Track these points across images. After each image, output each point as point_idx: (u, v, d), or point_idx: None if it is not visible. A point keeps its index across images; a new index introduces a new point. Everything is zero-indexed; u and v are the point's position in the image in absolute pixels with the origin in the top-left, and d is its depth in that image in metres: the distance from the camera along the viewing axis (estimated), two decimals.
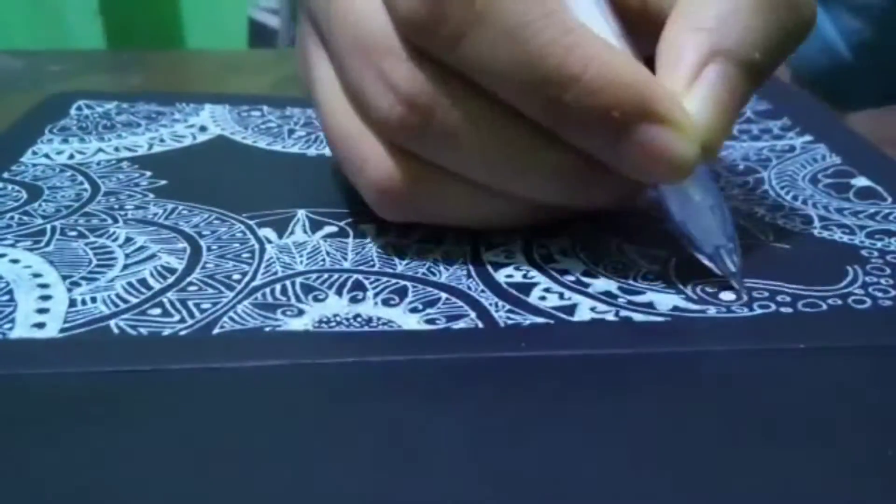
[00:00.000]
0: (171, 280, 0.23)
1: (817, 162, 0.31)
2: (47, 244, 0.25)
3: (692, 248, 0.23)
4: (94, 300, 0.22)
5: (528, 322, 0.22)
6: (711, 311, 0.22)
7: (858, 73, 0.31)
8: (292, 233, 0.26)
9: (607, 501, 0.16)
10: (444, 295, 0.23)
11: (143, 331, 0.21)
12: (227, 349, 0.20)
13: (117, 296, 0.22)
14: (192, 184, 0.29)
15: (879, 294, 0.23)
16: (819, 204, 0.28)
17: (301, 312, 0.22)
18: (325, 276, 0.24)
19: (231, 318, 0.21)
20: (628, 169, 0.22)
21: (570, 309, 0.22)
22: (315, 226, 0.26)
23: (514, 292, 0.23)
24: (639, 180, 0.23)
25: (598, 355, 0.21)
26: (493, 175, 0.23)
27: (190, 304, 0.22)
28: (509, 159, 0.23)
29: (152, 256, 0.24)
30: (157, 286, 0.23)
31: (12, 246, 0.25)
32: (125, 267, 0.24)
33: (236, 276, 0.23)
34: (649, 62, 0.23)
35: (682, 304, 0.22)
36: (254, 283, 0.23)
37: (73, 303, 0.22)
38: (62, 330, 0.21)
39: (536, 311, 0.22)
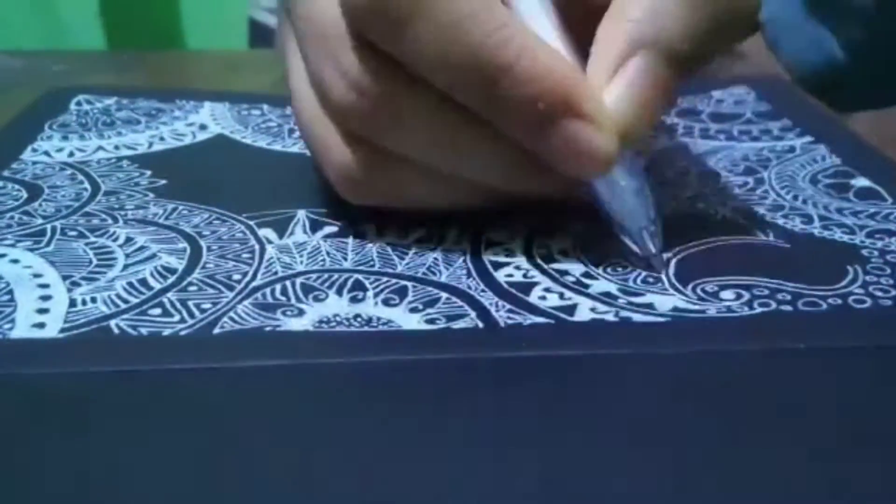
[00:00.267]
0: (171, 280, 0.23)
1: (817, 162, 0.31)
2: (48, 244, 0.25)
3: (617, 229, 0.24)
4: (94, 300, 0.22)
5: (528, 322, 0.22)
6: (711, 311, 0.22)
7: (853, 76, 0.31)
8: (292, 233, 0.26)
9: (607, 501, 0.16)
10: (444, 295, 0.23)
11: (144, 331, 0.21)
12: (227, 349, 0.20)
13: (117, 296, 0.22)
14: (192, 183, 0.29)
15: (879, 294, 0.23)
16: (819, 204, 0.28)
17: (301, 312, 0.22)
18: (326, 276, 0.24)
19: (231, 318, 0.21)
20: (553, 160, 0.23)
21: (570, 309, 0.22)
22: (315, 226, 0.26)
23: (515, 292, 0.23)
24: (563, 172, 0.23)
25: (598, 355, 0.21)
26: (438, 160, 0.24)
27: (190, 304, 0.22)
28: (451, 146, 0.24)
29: (152, 256, 0.24)
30: (157, 286, 0.23)
31: (13, 246, 0.25)
32: (125, 267, 0.24)
33: (236, 277, 0.23)
34: None
35: (682, 304, 0.22)
36: (254, 284, 0.23)
37: (73, 303, 0.22)
38: (62, 330, 0.21)
39: (536, 311, 0.22)
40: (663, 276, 0.24)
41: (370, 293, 0.23)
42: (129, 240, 0.25)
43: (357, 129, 0.24)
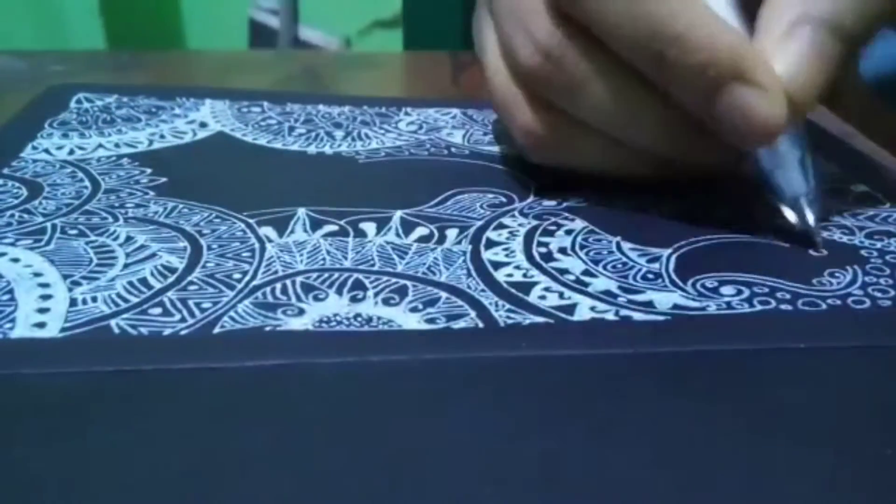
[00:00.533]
0: (171, 279, 0.23)
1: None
2: (48, 243, 0.25)
3: (775, 197, 0.25)
4: (94, 300, 0.22)
5: (527, 321, 0.22)
6: (712, 307, 0.22)
7: None
8: (293, 232, 0.26)
9: (608, 501, 0.16)
10: (444, 294, 0.23)
11: (144, 330, 0.21)
12: (227, 349, 0.20)
13: (118, 295, 0.22)
14: (192, 182, 0.29)
15: (879, 294, 0.23)
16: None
17: (301, 312, 0.22)
18: (326, 275, 0.24)
19: (231, 318, 0.21)
20: (721, 128, 0.24)
21: (570, 308, 0.22)
22: (315, 224, 0.26)
23: (514, 291, 0.23)
24: (730, 142, 0.24)
25: (598, 355, 0.21)
26: (609, 122, 0.26)
27: (190, 303, 0.22)
28: (623, 109, 0.26)
29: (153, 255, 0.24)
30: (157, 285, 0.23)
31: (13, 245, 0.25)
32: (126, 266, 0.24)
33: (237, 276, 0.23)
34: None
35: (682, 301, 0.22)
36: (254, 283, 0.23)
37: (73, 302, 0.22)
38: (63, 329, 0.21)
39: (536, 310, 0.22)
40: (664, 273, 0.24)
41: (370, 293, 0.23)
42: (129, 238, 0.25)
43: (541, 92, 0.27)
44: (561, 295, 0.23)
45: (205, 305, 0.22)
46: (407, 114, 0.36)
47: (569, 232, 0.26)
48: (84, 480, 0.16)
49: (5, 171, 0.29)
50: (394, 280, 0.23)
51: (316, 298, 0.22)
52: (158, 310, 0.22)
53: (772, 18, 0.25)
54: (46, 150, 0.31)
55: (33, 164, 0.30)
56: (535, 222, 0.27)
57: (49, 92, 0.37)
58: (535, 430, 0.18)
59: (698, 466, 0.17)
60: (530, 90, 0.27)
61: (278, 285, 0.23)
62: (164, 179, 0.29)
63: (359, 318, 0.22)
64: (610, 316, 0.22)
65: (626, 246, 0.25)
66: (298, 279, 0.23)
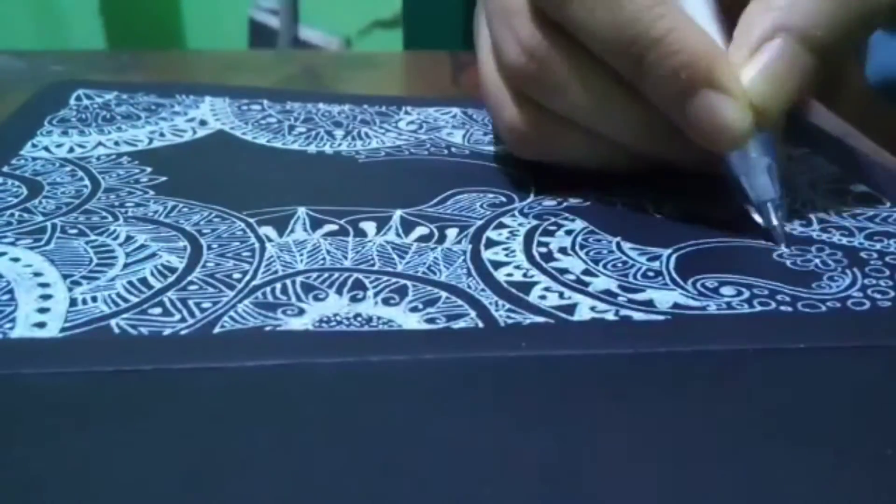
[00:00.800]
0: (171, 279, 0.23)
1: (815, 171, 0.31)
2: (47, 242, 0.25)
3: (744, 200, 0.26)
4: (94, 299, 0.22)
5: (527, 321, 0.22)
6: (711, 307, 0.22)
7: None
8: (293, 231, 0.26)
9: (608, 501, 0.16)
10: (444, 294, 0.23)
11: (144, 330, 0.21)
12: (227, 349, 0.20)
13: (118, 295, 0.22)
14: (192, 181, 0.29)
15: (878, 295, 0.23)
16: (818, 207, 0.28)
17: (301, 312, 0.22)
18: (326, 275, 0.24)
19: (231, 318, 0.21)
20: (690, 130, 0.25)
21: (570, 308, 0.22)
22: (315, 224, 0.26)
23: (514, 291, 0.23)
24: (700, 144, 0.25)
25: (598, 355, 0.21)
26: (590, 120, 0.27)
27: (190, 303, 0.22)
28: (603, 108, 0.27)
29: (153, 255, 0.24)
30: (157, 285, 0.23)
31: (12, 244, 0.25)
32: (126, 266, 0.24)
33: (237, 275, 0.23)
34: None
35: (682, 300, 0.22)
36: (254, 283, 0.23)
37: (73, 302, 0.22)
38: (63, 329, 0.21)
39: (536, 310, 0.22)
40: (665, 271, 0.24)
41: (370, 292, 0.23)
42: (129, 238, 0.25)
43: (525, 90, 0.28)
44: (561, 295, 0.23)
45: (205, 305, 0.22)
46: (407, 113, 0.36)
47: (569, 232, 0.26)
48: (84, 480, 0.16)
49: (5, 169, 0.29)
50: (394, 280, 0.23)
51: (316, 298, 0.22)
52: (158, 310, 0.22)
53: (745, 29, 0.26)
54: (46, 148, 0.31)
55: (33, 162, 0.30)
56: (535, 222, 0.27)
57: (49, 88, 0.37)
58: (535, 430, 0.18)
59: (698, 466, 0.17)
60: (515, 87, 0.28)
61: (278, 285, 0.23)
62: (163, 178, 0.29)
63: (359, 318, 0.22)
64: (610, 316, 0.22)
65: (626, 245, 0.25)
66: (298, 279, 0.23)
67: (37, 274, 0.23)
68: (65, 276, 0.23)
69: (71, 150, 0.31)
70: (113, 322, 0.21)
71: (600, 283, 0.23)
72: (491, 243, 0.25)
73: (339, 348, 0.20)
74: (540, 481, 0.16)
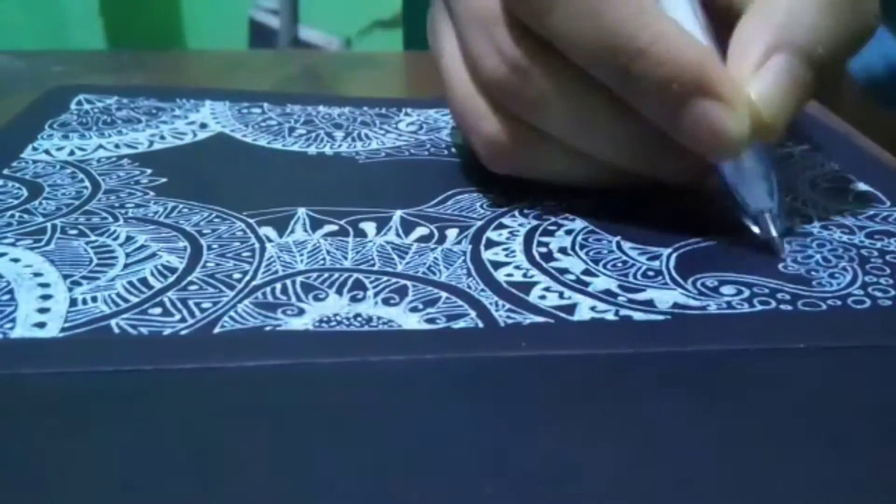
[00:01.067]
0: (171, 279, 0.23)
1: (815, 168, 0.31)
2: (48, 243, 0.25)
3: (740, 210, 0.25)
4: (94, 300, 0.22)
5: (528, 321, 0.22)
6: (712, 307, 0.22)
7: None
8: (293, 231, 0.26)
9: (608, 501, 0.16)
10: (444, 294, 0.23)
11: (144, 330, 0.21)
12: (227, 349, 0.20)
13: (118, 295, 0.22)
14: (192, 182, 0.29)
15: (879, 294, 0.23)
16: (818, 205, 0.28)
17: (301, 312, 0.22)
18: (326, 275, 0.24)
19: (231, 318, 0.21)
20: (685, 139, 0.24)
21: (570, 308, 0.22)
22: (315, 224, 0.26)
23: (514, 291, 0.23)
24: (696, 153, 0.25)
25: (598, 355, 0.21)
26: (574, 137, 0.26)
27: (190, 303, 0.22)
28: (588, 123, 0.26)
29: (153, 255, 0.24)
30: (157, 285, 0.23)
31: (13, 245, 0.25)
32: (126, 266, 0.24)
33: (237, 276, 0.23)
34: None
35: (682, 300, 0.22)
36: (254, 283, 0.23)
37: (73, 302, 0.22)
38: (63, 329, 0.21)
39: (536, 310, 0.22)
40: (665, 271, 0.24)
41: (370, 293, 0.23)
42: (129, 238, 0.25)
43: (505, 103, 0.26)
44: (561, 295, 0.23)
45: (205, 305, 0.22)
46: (407, 114, 0.36)
47: (569, 232, 0.26)
48: (84, 480, 0.16)
49: (5, 171, 0.30)
50: (394, 280, 0.23)
51: (316, 298, 0.22)
52: (158, 310, 0.22)
53: (746, 44, 0.25)
54: (47, 151, 0.31)
55: (33, 164, 0.30)
56: (535, 222, 0.27)
57: (49, 93, 0.37)
58: (535, 429, 0.18)
59: (698, 466, 0.17)
60: (494, 100, 0.27)
61: (278, 285, 0.23)
62: (163, 180, 0.29)
63: (359, 318, 0.22)
64: (610, 316, 0.22)
65: (626, 245, 0.25)
66: (298, 279, 0.23)
67: (37, 274, 0.23)
68: (65, 277, 0.23)
69: (71, 153, 0.31)
70: (113, 322, 0.21)
71: (600, 282, 0.23)
72: (491, 243, 0.25)
73: (339, 348, 0.21)
74: (540, 481, 0.16)
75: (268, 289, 0.23)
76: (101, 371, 0.20)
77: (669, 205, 0.28)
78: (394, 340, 0.21)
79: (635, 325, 0.22)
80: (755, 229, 0.25)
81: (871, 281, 0.24)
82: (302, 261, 0.24)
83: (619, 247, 0.25)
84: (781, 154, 0.32)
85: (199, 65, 0.48)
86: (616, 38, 0.23)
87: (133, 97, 0.37)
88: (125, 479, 0.16)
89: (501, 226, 0.27)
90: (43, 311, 0.22)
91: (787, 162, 0.32)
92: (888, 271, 0.24)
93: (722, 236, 0.26)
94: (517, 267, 0.24)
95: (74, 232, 0.26)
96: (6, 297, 0.22)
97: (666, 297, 0.23)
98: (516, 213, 0.27)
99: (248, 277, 0.23)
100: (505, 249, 0.25)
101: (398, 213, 0.27)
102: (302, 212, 0.27)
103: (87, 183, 0.29)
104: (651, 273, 0.24)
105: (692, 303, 0.22)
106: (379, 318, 0.22)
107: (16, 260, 0.24)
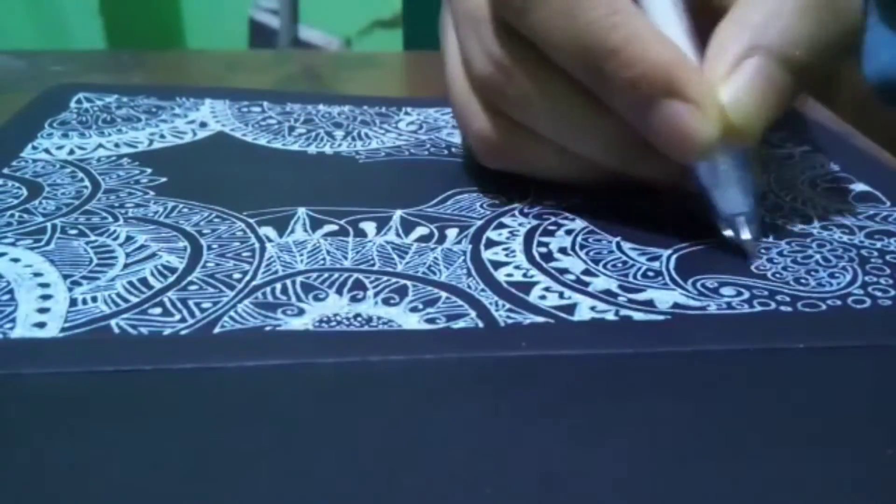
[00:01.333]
0: (171, 279, 0.23)
1: (815, 169, 0.31)
2: (48, 243, 0.25)
3: (714, 213, 0.25)
4: (94, 300, 0.22)
5: (528, 321, 0.22)
6: (712, 307, 0.22)
7: None
8: (293, 231, 0.26)
9: (608, 501, 0.16)
10: (444, 294, 0.23)
11: (144, 330, 0.21)
12: (227, 349, 0.20)
13: (118, 295, 0.22)
14: (192, 181, 0.29)
15: (879, 294, 0.23)
16: (818, 205, 0.28)
17: (301, 312, 0.22)
18: (326, 275, 0.24)
19: (231, 318, 0.21)
20: (655, 140, 0.24)
21: (570, 308, 0.22)
22: (315, 224, 0.26)
23: (514, 291, 0.23)
24: (666, 154, 0.25)
25: (598, 355, 0.21)
26: (557, 134, 0.27)
27: (190, 303, 0.22)
28: (569, 122, 0.26)
29: (153, 255, 0.24)
30: (157, 285, 0.23)
31: (13, 245, 0.25)
32: (126, 266, 0.24)
33: (237, 276, 0.23)
34: None
35: (683, 300, 0.22)
36: (254, 283, 0.23)
37: (73, 302, 0.22)
38: (63, 329, 0.21)
39: (536, 310, 0.22)
40: (665, 271, 0.24)
41: (370, 292, 0.23)
42: (129, 238, 0.25)
43: (493, 100, 0.27)
44: (561, 295, 0.23)
45: (205, 305, 0.22)
46: (407, 114, 0.36)
47: (569, 232, 0.26)
48: (84, 480, 0.16)
49: (5, 171, 0.29)
50: (394, 280, 0.23)
51: (316, 298, 0.22)
52: (158, 310, 0.22)
53: (721, 47, 0.25)
54: (46, 150, 0.31)
55: (33, 164, 0.30)
56: (535, 222, 0.27)
57: (49, 92, 0.37)
58: (535, 429, 0.18)
59: (698, 466, 0.17)
60: (484, 98, 0.27)
61: (278, 285, 0.23)
62: (163, 179, 0.29)
63: (359, 318, 0.22)
64: (610, 316, 0.22)
65: (626, 245, 0.25)
66: (298, 279, 0.23)
67: (37, 274, 0.23)
68: (65, 277, 0.23)
69: (71, 152, 0.31)
70: (113, 322, 0.21)
71: (600, 283, 0.23)
72: (491, 243, 0.25)
73: (339, 348, 0.21)
74: (540, 481, 0.16)
75: (268, 289, 0.23)
76: (101, 371, 0.19)
77: (669, 205, 0.28)
78: (394, 340, 0.21)
79: (635, 326, 0.22)
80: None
81: (871, 281, 0.24)
82: (302, 261, 0.24)
83: (619, 247, 0.25)
84: (781, 154, 0.32)
85: (199, 64, 0.48)
86: (588, 38, 0.24)
87: (133, 96, 0.37)
88: (125, 479, 0.16)
89: (501, 225, 0.27)
90: (43, 311, 0.22)
91: (787, 162, 0.32)
92: (888, 271, 0.24)
93: (722, 236, 0.26)
94: (517, 267, 0.24)
95: (74, 232, 0.26)
96: (6, 297, 0.22)
97: (666, 298, 0.23)
98: (516, 212, 0.27)
99: (248, 277, 0.23)
100: (505, 249, 0.25)
101: (398, 213, 0.27)
102: (302, 211, 0.27)
103: (86, 182, 0.29)
104: (651, 273, 0.24)
105: (692, 303, 0.22)
106: (379, 318, 0.22)
107: (16, 260, 0.24)
